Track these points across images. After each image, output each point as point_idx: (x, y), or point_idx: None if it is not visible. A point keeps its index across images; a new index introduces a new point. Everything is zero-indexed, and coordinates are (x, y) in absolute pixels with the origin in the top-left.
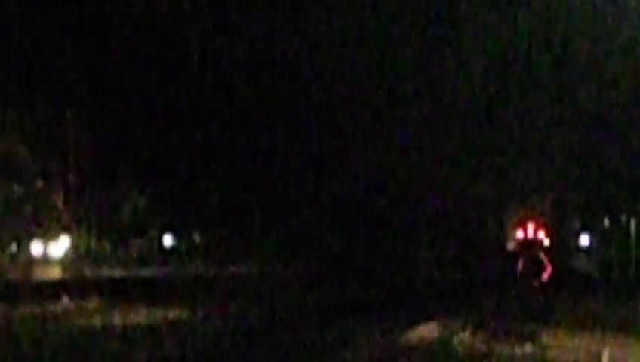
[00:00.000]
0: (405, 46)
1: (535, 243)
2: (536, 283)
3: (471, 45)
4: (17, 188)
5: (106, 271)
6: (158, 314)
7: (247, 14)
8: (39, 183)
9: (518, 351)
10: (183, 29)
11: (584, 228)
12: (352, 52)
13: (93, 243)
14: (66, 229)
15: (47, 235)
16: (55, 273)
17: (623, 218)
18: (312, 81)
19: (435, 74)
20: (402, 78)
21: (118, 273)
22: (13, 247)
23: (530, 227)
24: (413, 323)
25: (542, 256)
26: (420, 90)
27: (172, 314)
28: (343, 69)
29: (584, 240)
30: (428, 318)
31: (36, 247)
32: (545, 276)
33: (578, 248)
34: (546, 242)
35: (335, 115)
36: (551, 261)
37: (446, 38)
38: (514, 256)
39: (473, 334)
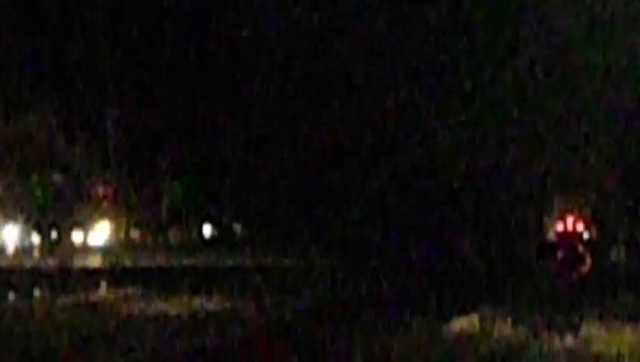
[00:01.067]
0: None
1: (574, 235)
2: (575, 276)
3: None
4: (57, 177)
5: (145, 261)
6: (197, 303)
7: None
8: (79, 172)
9: (559, 344)
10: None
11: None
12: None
13: (132, 232)
14: (106, 218)
15: (88, 224)
16: (95, 262)
17: None
18: (352, 71)
19: (475, 61)
20: (443, 66)
21: (157, 262)
22: (54, 235)
23: (570, 219)
24: (454, 313)
25: (581, 248)
26: (462, 80)
27: (211, 304)
28: (381, 59)
29: (623, 233)
30: (469, 310)
31: (77, 236)
32: (584, 269)
33: (618, 241)
34: (586, 234)
35: (373, 106)
36: (591, 254)
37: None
38: (554, 248)
39: (514, 326)
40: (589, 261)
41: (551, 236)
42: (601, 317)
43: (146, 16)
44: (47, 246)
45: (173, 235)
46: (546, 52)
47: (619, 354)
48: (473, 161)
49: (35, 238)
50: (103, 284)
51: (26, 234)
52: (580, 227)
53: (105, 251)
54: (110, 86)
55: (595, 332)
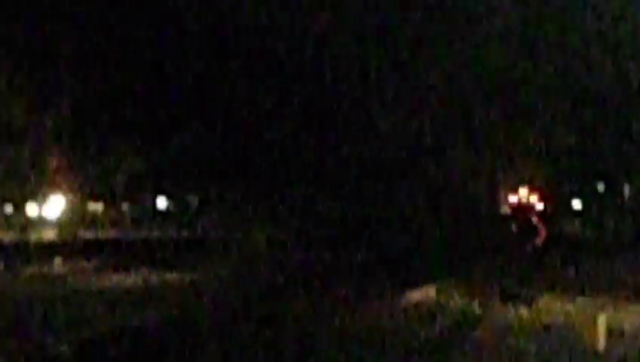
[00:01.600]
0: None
1: (528, 207)
2: (529, 247)
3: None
4: (13, 151)
5: (100, 234)
6: (154, 276)
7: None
8: (34, 146)
9: (513, 314)
10: None
11: (578, 193)
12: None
13: (87, 205)
14: (61, 192)
15: (42, 197)
16: (50, 235)
17: (619, 183)
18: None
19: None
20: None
21: (112, 235)
22: (9, 209)
23: (524, 192)
24: (411, 286)
25: (535, 220)
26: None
27: (169, 277)
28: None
29: (577, 204)
30: (422, 280)
31: (32, 209)
32: (539, 240)
33: (572, 212)
34: (539, 206)
35: (337, 89)
36: (545, 225)
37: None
38: (508, 220)
39: (470, 297)
40: (543, 232)
41: (505, 209)
42: (554, 288)
43: None
44: (3, 220)
45: (128, 208)
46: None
47: (568, 325)
48: (430, 146)
49: None
50: (57, 257)
51: None
52: (534, 199)
53: (59, 224)
54: (67, 60)
55: (547, 304)
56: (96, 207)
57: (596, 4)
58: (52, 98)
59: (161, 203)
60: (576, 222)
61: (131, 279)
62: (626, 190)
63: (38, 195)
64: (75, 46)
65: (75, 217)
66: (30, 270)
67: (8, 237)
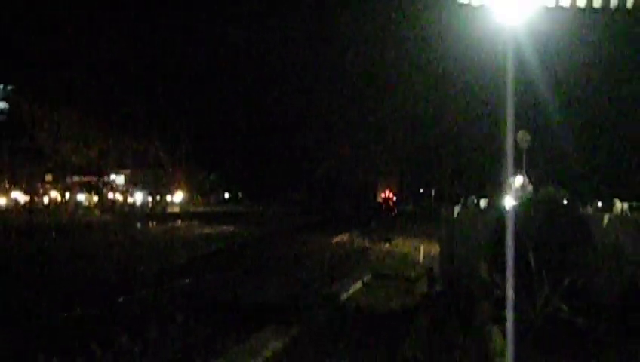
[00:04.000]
0: None
1: (390, 198)
2: (390, 215)
3: None
4: (154, 171)
5: (199, 209)
6: (222, 228)
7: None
8: (167, 167)
9: (382, 246)
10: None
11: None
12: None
13: (193, 196)
14: (181, 189)
15: (173, 191)
16: (176, 210)
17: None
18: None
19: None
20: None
21: (203, 210)
22: (157, 198)
23: (387, 191)
24: (336, 234)
25: (392, 203)
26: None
27: (227, 229)
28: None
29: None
30: (344, 231)
31: (168, 198)
32: (394, 213)
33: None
34: (394, 197)
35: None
36: (395, 206)
37: None
38: (381, 204)
39: (363, 238)
40: (396, 210)
41: (380, 199)
42: (402, 234)
43: None
44: (156, 203)
45: (211, 197)
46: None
47: (409, 252)
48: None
49: (150, 198)
50: (179, 220)
51: (146, 196)
52: (391, 194)
53: (180, 205)
54: (185, 113)
55: (399, 242)
56: (197, 196)
57: None
58: (175, 135)
59: (226, 195)
60: (411, 206)
61: (212, 229)
62: (432, 191)
63: (171, 191)
64: (191, 96)
65: (187, 201)
66: (165, 226)
67: (157, 211)
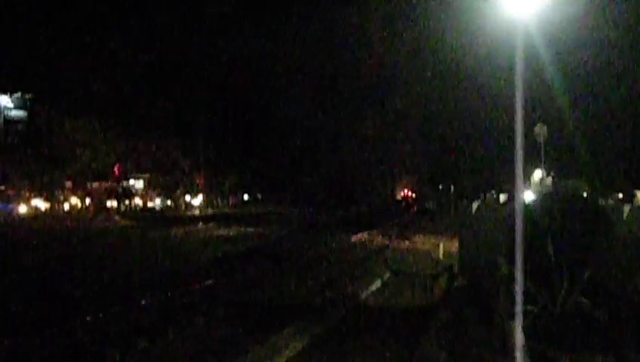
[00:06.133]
0: None
1: (409, 196)
2: (410, 213)
3: None
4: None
5: (219, 211)
6: (242, 229)
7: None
8: (189, 171)
9: (402, 245)
10: None
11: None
12: None
13: (213, 198)
14: (201, 192)
15: (192, 194)
16: (196, 212)
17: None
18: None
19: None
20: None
21: (224, 212)
22: (176, 202)
23: (406, 190)
24: (356, 232)
25: (411, 201)
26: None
27: (247, 230)
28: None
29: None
30: (361, 230)
31: (187, 199)
32: (414, 210)
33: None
34: (414, 196)
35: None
36: (415, 204)
37: None
38: (401, 202)
39: (383, 237)
40: (415, 207)
41: (399, 197)
42: (422, 232)
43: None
44: (174, 205)
45: (231, 199)
46: None
47: (430, 249)
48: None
49: (169, 202)
50: (199, 222)
51: (165, 200)
52: (410, 193)
53: (200, 207)
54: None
55: (419, 239)
56: (217, 198)
57: None
58: (194, 139)
59: (245, 197)
60: (431, 203)
61: (232, 230)
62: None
63: (190, 194)
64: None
65: (207, 203)
66: (184, 228)
67: (174, 213)
